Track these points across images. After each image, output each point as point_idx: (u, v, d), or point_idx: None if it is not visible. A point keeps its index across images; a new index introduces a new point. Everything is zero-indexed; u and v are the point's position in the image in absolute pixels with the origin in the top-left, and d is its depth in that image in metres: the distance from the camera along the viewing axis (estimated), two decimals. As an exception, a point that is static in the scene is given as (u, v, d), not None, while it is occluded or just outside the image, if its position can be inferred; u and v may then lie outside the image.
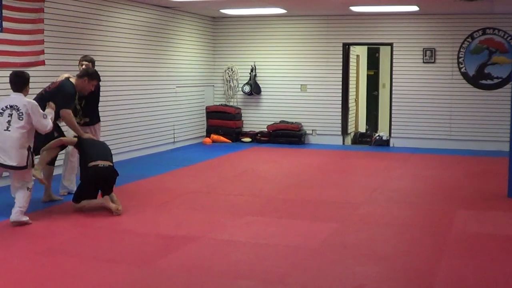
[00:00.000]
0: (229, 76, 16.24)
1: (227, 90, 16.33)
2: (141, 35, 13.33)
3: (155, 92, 13.91)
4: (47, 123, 7.60)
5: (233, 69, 16.18)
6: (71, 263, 6.01)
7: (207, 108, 16.16)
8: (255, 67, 15.95)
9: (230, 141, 15.75)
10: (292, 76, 15.81)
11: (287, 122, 15.63)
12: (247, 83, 15.95)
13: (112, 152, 12.24)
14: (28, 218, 7.43)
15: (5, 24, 9.77)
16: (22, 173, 7.45)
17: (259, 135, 15.82)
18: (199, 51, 15.80)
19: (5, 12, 9.76)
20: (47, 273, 5.75)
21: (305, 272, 5.79)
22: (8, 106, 7.43)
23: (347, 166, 12.60)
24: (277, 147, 14.97)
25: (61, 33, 10.98)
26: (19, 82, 7.66)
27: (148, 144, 13.68)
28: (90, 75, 8.76)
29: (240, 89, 16.12)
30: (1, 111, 7.42)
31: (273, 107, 16.03)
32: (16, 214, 7.34)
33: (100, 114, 11.66)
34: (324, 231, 7.20)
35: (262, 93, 16.05)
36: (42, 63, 10.54)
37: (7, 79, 9.68)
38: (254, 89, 15.93)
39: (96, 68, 11.79)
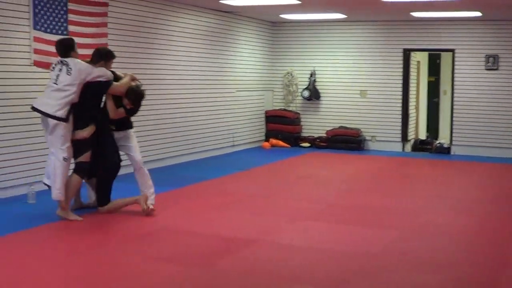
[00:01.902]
0: (288, 81, 16.26)
1: (287, 95, 16.35)
2: (202, 40, 13.45)
3: (216, 96, 14.02)
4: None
5: (293, 74, 16.19)
6: (133, 262, 6.11)
7: (266, 112, 16.22)
8: (314, 72, 15.94)
9: (289, 146, 15.77)
10: (351, 82, 15.75)
11: (346, 128, 15.58)
12: (306, 88, 15.95)
13: (172, 154, 12.51)
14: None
15: (71, 27, 9.97)
16: (63, 129, 7.56)
17: (318, 140, 15.80)
18: (259, 55, 15.87)
19: (71, 16, 9.96)
20: (110, 270, 5.85)
21: (364, 279, 5.79)
22: (60, 62, 7.72)
23: (407, 173, 12.51)
24: (336, 152, 14.93)
25: (124, 36, 11.15)
26: (63, 50, 7.89)
27: (208, 147, 13.79)
28: (104, 55, 8.19)
29: (300, 94, 16.13)
30: (53, 66, 7.73)
31: (332, 112, 16.00)
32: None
33: (162, 116, 11.89)
34: (383, 238, 7.18)
35: (321, 98, 16.03)
36: (106, 66, 10.70)
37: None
38: (314, 94, 15.92)
39: (158, 72, 12.00)
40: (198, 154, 13.42)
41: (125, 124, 8.27)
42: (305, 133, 16.25)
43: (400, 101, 15.35)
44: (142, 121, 11.56)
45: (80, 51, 10.03)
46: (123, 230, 7.36)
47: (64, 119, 7.51)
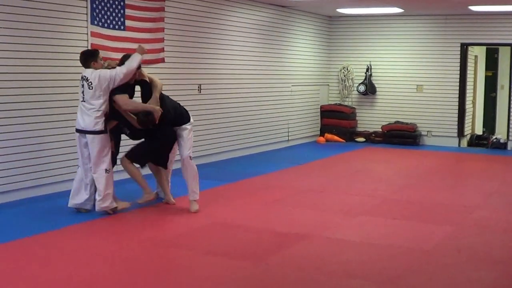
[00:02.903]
0: (344, 76, 16.22)
1: (342, 90, 16.31)
2: (258, 34, 13.49)
3: (271, 91, 14.05)
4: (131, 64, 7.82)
5: (349, 69, 16.14)
6: (186, 256, 6.17)
7: (321, 107, 16.19)
8: (370, 66, 15.86)
9: (344, 141, 15.72)
10: (408, 76, 15.63)
11: (402, 123, 15.46)
12: (362, 83, 15.88)
13: (227, 149, 12.58)
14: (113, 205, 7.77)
15: (128, 22, 10.10)
16: (99, 143, 7.60)
17: (373, 135, 15.73)
18: (315, 50, 15.84)
19: (128, 11, 10.09)
20: (162, 264, 5.92)
21: (418, 274, 5.75)
22: (81, 78, 7.73)
23: (463, 169, 12.37)
24: (391, 147, 14.85)
25: (181, 31, 11.25)
26: (82, 59, 7.88)
27: (263, 142, 13.84)
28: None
29: (355, 88, 16.06)
30: (81, 83, 7.71)
31: (388, 107, 15.90)
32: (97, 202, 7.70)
33: (218, 111, 11.96)
34: (438, 234, 7.12)
35: (377, 93, 15.94)
36: (162, 60, 10.83)
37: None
38: (369, 89, 15.84)
39: (213, 66, 12.07)
40: (253, 148, 13.47)
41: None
42: (361, 128, 16.18)
43: (457, 96, 15.17)
44: (198, 116, 11.66)
45: (136, 46, 10.20)
46: (175, 225, 7.43)
47: (103, 131, 7.63)
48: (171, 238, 6.83)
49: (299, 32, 15.06)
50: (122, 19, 9.98)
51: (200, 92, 11.78)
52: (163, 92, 8.30)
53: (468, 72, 15.59)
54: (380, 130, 15.68)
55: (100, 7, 9.59)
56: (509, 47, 14.84)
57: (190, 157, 8.01)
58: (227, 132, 12.61)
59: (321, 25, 16.00)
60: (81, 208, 7.82)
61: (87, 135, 7.58)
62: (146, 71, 10.45)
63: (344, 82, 16.23)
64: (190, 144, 8.11)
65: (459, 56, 15.08)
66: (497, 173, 11.58)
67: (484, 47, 17.12)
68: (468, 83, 15.58)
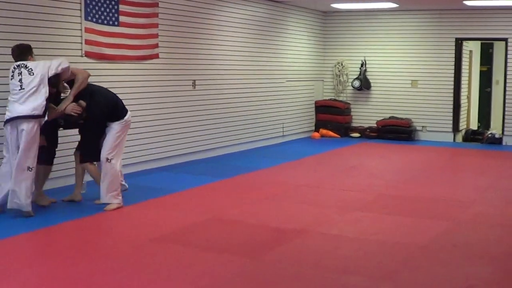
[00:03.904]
0: (338, 71, 16.21)
1: (337, 85, 16.30)
2: (252, 29, 13.46)
3: (265, 86, 14.03)
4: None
5: (343, 64, 16.13)
6: (182, 252, 6.16)
7: (316, 102, 16.18)
8: (365, 62, 15.85)
9: (339, 136, 15.73)
10: (402, 72, 15.62)
11: (397, 118, 15.46)
12: (357, 78, 15.87)
13: (222, 144, 12.57)
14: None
15: (122, 18, 10.07)
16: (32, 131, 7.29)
17: (368, 130, 15.72)
18: (309, 45, 15.82)
19: (122, 7, 10.06)
20: (160, 261, 5.90)
21: (415, 270, 5.75)
22: (15, 67, 7.45)
23: (458, 164, 12.38)
24: (386, 143, 14.85)
25: (175, 27, 11.22)
26: (19, 52, 7.60)
27: (258, 137, 13.82)
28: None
29: (350, 84, 16.05)
30: (11, 74, 7.44)
31: (383, 102, 15.89)
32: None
33: (212, 107, 11.94)
34: (433, 229, 7.11)
35: (372, 88, 15.94)
36: (156, 56, 10.80)
37: (123, 72, 10.04)
38: (364, 84, 15.83)
39: (207, 62, 12.06)
40: (248, 144, 13.46)
41: None
42: (355, 123, 16.17)
43: (452, 91, 15.17)
44: (192, 111, 11.66)
45: (131, 42, 10.22)
46: (171, 221, 7.40)
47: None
48: (167, 234, 6.81)
49: (294, 28, 15.04)
50: (116, 15, 9.94)
51: (195, 88, 11.75)
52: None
53: (463, 67, 15.60)
54: (375, 125, 15.68)
55: (94, 2, 9.55)
56: (503, 42, 14.81)
57: (107, 159, 7.83)
58: (222, 128, 12.58)
59: (315, 20, 15.98)
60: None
61: (27, 121, 7.25)
62: (140, 67, 10.48)
63: (339, 77, 16.23)
64: (112, 144, 7.90)
65: (454, 51, 15.08)
66: (492, 168, 11.58)
67: (479, 42, 17.12)
68: (463, 78, 15.60)
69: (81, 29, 9.40)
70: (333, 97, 16.36)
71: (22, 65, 7.42)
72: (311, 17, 15.75)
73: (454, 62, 15.10)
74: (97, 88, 8.08)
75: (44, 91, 7.36)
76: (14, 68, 7.43)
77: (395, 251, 6.29)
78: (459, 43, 15.11)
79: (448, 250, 6.35)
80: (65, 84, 7.98)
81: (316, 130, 16.04)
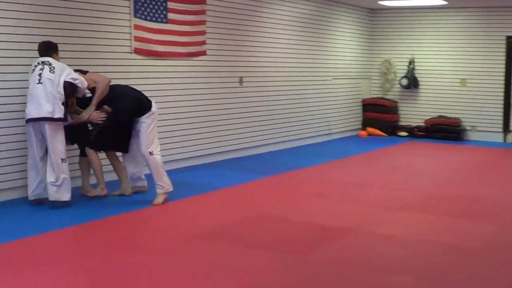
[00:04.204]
0: (386, 69, 16.06)
1: (384, 83, 16.16)
2: (299, 26, 13.41)
3: (312, 84, 13.98)
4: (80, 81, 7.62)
5: (391, 62, 15.98)
6: (226, 249, 6.15)
7: (363, 100, 16.06)
8: (413, 60, 15.68)
9: (386, 135, 15.59)
10: (451, 70, 15.41)
11: (446, 117, 15.26)
12: (404, 76, 15.71)
13: (268, 141, 12.55)
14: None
15: (170, 15, 10.11)
16: (56, 130, 7.42)
17: (416, 129, 15.54)
18: (356, 43, 15.71)
19: (170, 4, 10.10)
20: (205, 256, 5.90)
21: (464, 272, 5.64)
22: (40, 62, 7.51)
23: (508, 165, 12.16)
24: (434, 142, 14.67)
25: (222, 24, 11.23)
26: (44, 48, 7.65)
27: (304, 135, 13.78)
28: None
29: (398, 82, 15.89)
30: (33, 67, 7.50)
31: (431, 101, 15.69)
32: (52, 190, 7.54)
33: (259, 104, 11.92)
34: (484, 231, 6.98)
35: (420, 86, 15.76)
36: (204, 53, 10.82)
37: (171, 69, 10.07)
38: (412, 83, 15.66)
39: (255, 59, 12.05)
40: (294, 142, 13.42)
41: None
42: (403, 122, 16.00)
43: (502, 90, 14.91)
44: (239, 108, 11.66)
45: (180, 39, 10.24)
46: (216, 217, 7.40)
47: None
48: (212, 230, 6.81)
49: (341, 25, 14.94)
50: (164, 12, 9.98)
51: (242, 84, 11.75)
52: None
53: (514, 65, 15.34)
54: (423, 124, 15.50)
55: (143, 0, 9.60)
56: (556, 40, 14.54)
57: (150, 153, 7.90)
58: (268, 125, 12.56)
59: (362, 18, 15.85)
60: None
61: (48, 123, 7.38)
62: (188, 63, 10.50)
63: (386, 75, 16.07)
64: (148, 138, 7.95)
65: (504, 49, 14.82)
66: (544, 168, 11.37)
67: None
68: (513, 77, 15.34)
69: (130, 26, 9.46)
70: (380, 96, 16.21)
71: (46, 62, 7.49)
72: (358, 14, 15.63)
73: (504, 61, 14.84)
74: (119, 91, 8.05)
75: (60, 92, 7.42)
76: (38, 63, 7.50)
77: (444, 253, 6.18)
78: (509, 41, 14.84)
79: (500, 253, 6.23)
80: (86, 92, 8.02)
81: (363, 128, 15.93)
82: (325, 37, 14.39)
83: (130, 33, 9.48)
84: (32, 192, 7.64)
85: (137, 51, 9.59)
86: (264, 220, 7.30)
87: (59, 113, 7.35)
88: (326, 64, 14.49)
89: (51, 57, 7.58)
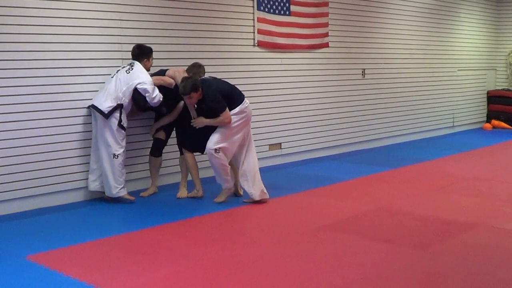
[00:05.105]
0: (513, 60, 15.65)
1: (510, 74, 15.72)
2: (423, 17, 13.23)
3: (436, 75, 13.78)
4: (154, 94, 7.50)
5: (518, 53, 15.56)
6: (351, 241, 6.17)
7: (488, 92, 15.68)
8: (542, 50, 15.21)
9: (512, 128, 15.20)
10: None
11: None
12: (532, 67, 15.26)
13: (390, 134, 12.46)
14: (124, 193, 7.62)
15: (293, 7, 10.19)
16: (105, 125, 7.40)
17: (543, 122, 15.08)
18: (482, 33, 15.34)
19: (293, -4, 10.20)
20: (328, 248, 5.95)
21: None
22: (128, 64, 7.61)
23: None
24: None
25: (344, 16, 11.23)
26: (137, 53, 7.69)
27: (426, 128, 13.60)
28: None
29: (525, 73, 15.47)
30: (123, 65, 7.63)
31: (561, 93, 15.18)
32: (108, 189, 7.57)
33: (379, 96, 11.81)
34: None
35: (548, 78, 15.28)
36: (326, 45, 10.86)
37: (293, 61, 10.14)
38: (540, 74, 15.20)
39: (378, 51, 11.97)
40: (416, 134, 13.28)
41: None
42: (530, 115, 15.54)
43: None
44: (361, 100, 11.64)
45: (302, 31, 10.29)
46: (338, 210, 7.43)
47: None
48: (334, 223, 6.84)
49: (465, 15, 14.63)
50: (287, 4, 10.07)
51: (364, 76, 11.72)
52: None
53: None
54: (555, 117, 15.00)
55: (266, -8, 9.74)
56: None
57: (215, 149, 7.42)
58: (390, 118, 12.47)
59: (488, 8, 15.46)
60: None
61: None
62: (311, 56, 10.56)
63: (513, 66, 15.66)
64: (222, 135, 7.49)
65: None
66: None
67: None
68: None
69: (253, 19, 9.60)
70: (506, 87, 15.77)
71: (132, 64, 7.61)
72: (483, 4, 15.26)
73: None
74: (207, 83, 7.47)
75: (125, 94, 7.44)
76: (126, 65, 7.63)
77: None
78: None
79: None
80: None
81: (488, 121, 15.55)
82: (450, 28, 14.12)
83: (253, 26, 9.63)
84: (90, 181, 7.73)
85: (260, 44, 9.73)
86: (387, 214, 7.27)
87: (107, 109, 7.35)
88: (451, 55, 14.23)
89: (140, 62, 7.65)
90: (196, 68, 7.88)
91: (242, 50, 9.53)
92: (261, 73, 9.75)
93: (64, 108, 7.51)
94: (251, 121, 7.82)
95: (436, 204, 7.71)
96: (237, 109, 7.48)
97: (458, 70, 14.51)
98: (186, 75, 7.61)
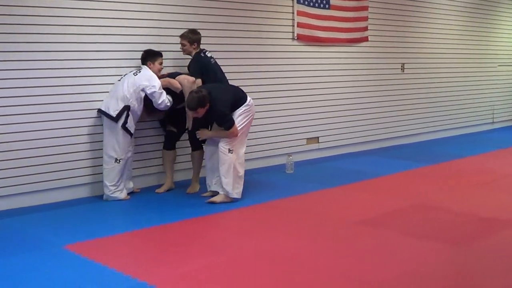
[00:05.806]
0: (555, 56, 15.41)
1: (552, 70, 15.51)
2: (463, 12, 13.11)
3: (476, 70, 13.63)
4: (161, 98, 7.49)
5: (560, 48, 15.32)
6: (389, 237, 6.14)
7: (529, 88, 15.50)
8: None
9: (554, 124, 15.00)
10: None
11: None
12: None
13: (429, 129, 12.37)
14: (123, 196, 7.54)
15: (332, 1, 10.18)
16: (112, 127, 7.38)
17: None
18: (524, 29, 15.16)
19: (333, -10, 10.17)
20: (365, 243, 5.93)
21: None
22: (136, 68, 7.61)
23: None
24: None
25: (384, 9, 11.17)
26: (143, 57, 7.66)
27: (466, 124, 13.48)
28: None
29: None
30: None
31: None
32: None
33: (419, 91, 11.71)
34: None
35: None
36: (366, 39, 10.81)
37: (332, 55, 10.11)
38: None
39: (418, 45, 11.88)
40: (455, 130, 13.17)
41: None
42: None
43: None
44: (400, 95, 11.57)
45: (342, 25, 10.26)
46: (374, 205, 7.40)
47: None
48: (372, 217, 6.81)
49: (506, 10, 14.44)
50: (327, -2, 10.06)
51: (403, 71, 11.64)
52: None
53: None
54: None
55: (306, -14, 9.72)
56: None
57: (228, 149, 7.28)
58: (429, 113, 12.39)
59: (532, 3, 15.27)
60: None
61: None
62: (350, 50, 10.52)
63: (555, 62, 15.43)
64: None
65: None
66: None
67: None
68: None
69: (293, 12, 9.59)
70: (548, 83, 15.58)
71: (141, 67, 7.61)
72: (526, -1, 15.08)
73: None
74: (214, 95, 7.20)
75: (133, 96, 7.41)
76: (135, 69, 7.63)
77: None
78: None
79: None
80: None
81: (529, 117, 15.38)
82: (490, 23, 13.96)
83: (293, 19, 9.61)
84: None
85: (300, 37, 9.71)
86: (425, 209, 7.22)
87: (115, 112, 7.35)
88: (491, 50, 14.07)
89: (146, 65, 7.61)
90: (194, 35, 7.81)
91: (281, 43, 9.52)
92: (300, 66, 9.74)
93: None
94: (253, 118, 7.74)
95: (475, 201, 7.64)
96: (242, 108, 7.39)
97: (499, 65, 14.34)
98: (195, 86, 7.54)
